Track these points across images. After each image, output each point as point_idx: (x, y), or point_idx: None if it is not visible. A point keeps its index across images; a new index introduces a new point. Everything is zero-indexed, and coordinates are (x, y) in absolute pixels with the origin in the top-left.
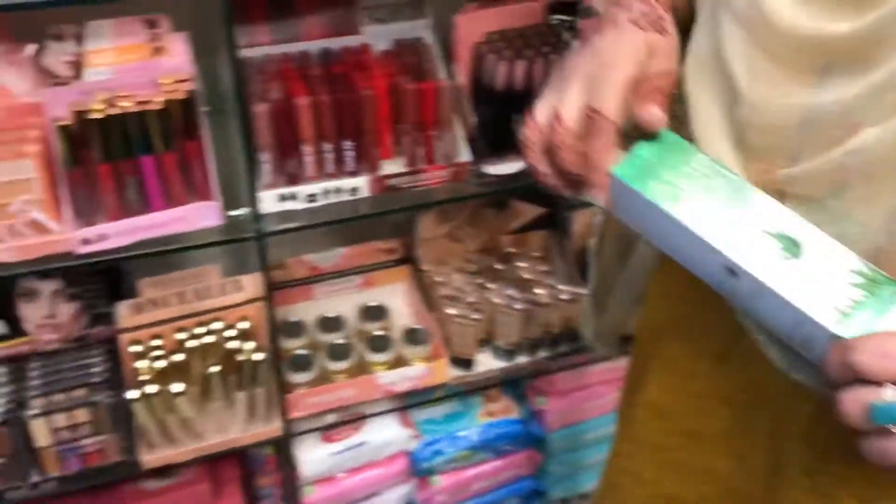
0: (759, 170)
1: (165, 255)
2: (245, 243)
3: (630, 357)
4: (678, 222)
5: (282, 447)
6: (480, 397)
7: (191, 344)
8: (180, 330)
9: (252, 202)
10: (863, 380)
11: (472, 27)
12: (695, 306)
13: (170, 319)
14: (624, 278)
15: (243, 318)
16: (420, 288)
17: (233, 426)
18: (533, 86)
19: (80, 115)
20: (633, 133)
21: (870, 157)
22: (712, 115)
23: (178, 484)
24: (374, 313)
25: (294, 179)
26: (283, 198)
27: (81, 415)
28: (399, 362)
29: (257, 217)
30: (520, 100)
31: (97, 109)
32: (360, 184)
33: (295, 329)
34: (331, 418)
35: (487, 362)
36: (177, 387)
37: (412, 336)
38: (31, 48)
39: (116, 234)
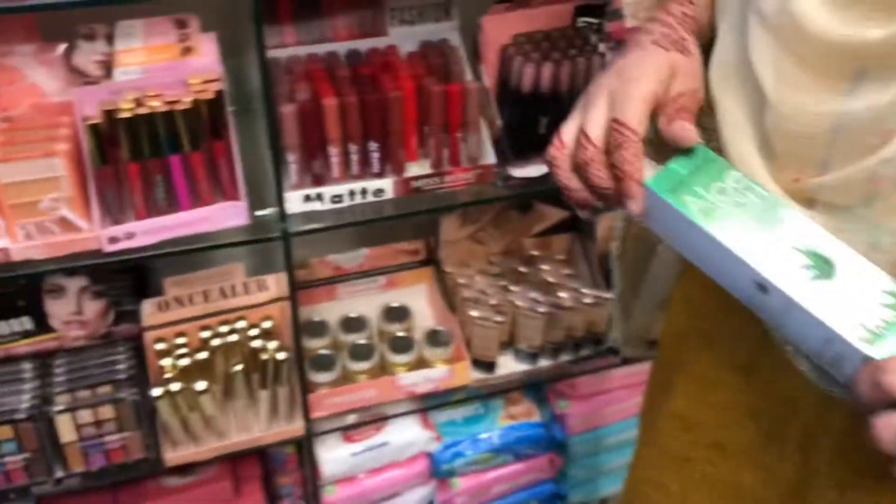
0: (788, 177)
1: (191, 254)
2: (269, 243)
3: (654, 363)
4: (710, 236)
5: (303, 446)
6: (501, 400)
7: (215, 342)
8: (204, 328)
9: (279, 202)
10: (895, 402)
11: (498, 29)
12: (719, 315)
13: (194, 318)
14: (647, 282)
15: (267, 318)
16: (443, 290)
17: (255, 425)
18: (559, 89)
19: (110, 114)
20: (667, 149)
21: None
22: (739, 121)
23: (199, 481)
24: (397, 314)
25: (320, 180)
26: (309, 198)
27: (106, 411)
28: (421, 364)
29: (283, 217)
30: (546, 103)
31: (126, 109)
32: (386, 185)
33: (318, 329)
34: (351, 418)
35: (509, 365)
36: (200, 385)
37: (434, 338)
38: (61, 47)
39: (143, 232)
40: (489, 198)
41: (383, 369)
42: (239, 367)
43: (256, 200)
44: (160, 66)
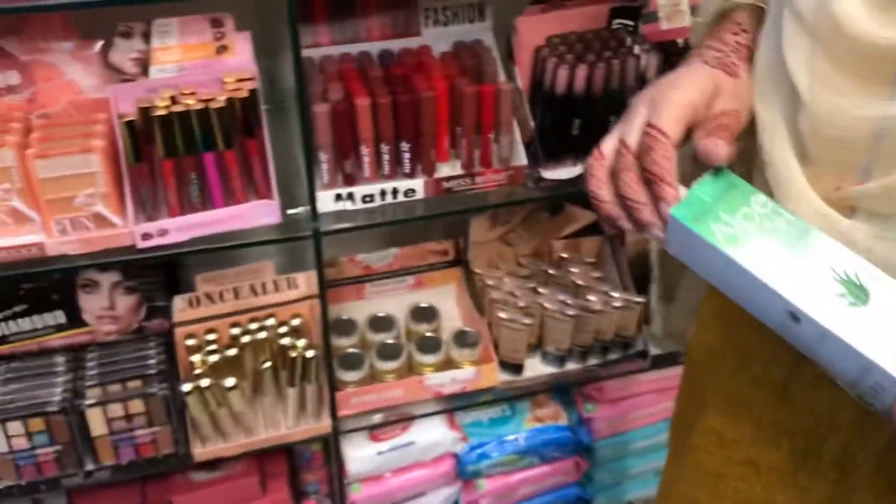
0: (829, 186)
1: (222, 251)
2: (300, 241)
3: (683, 374)
4: (738, 265)
5: (330, 444)
6: (528, 402)
7: (244, 339)
8: (234, 325)
9: (311, 201)
10: None
11: (533, 30)
12: (753, 330)
13: (225, 314)
14: (686, 278)
15: (296, 316)
16: (471, 290)
17: (283, 422)
18: (593, 91)
19: (145, 111)
20: (696, 171)
21: None
22: (777, 127)
23: (227, 476)
24: (425, 314)
25: (351, 180)
26: (340, 198)
27: (136, 406)
28: (448, 364)
29: (314, 216)
30: (580, 105)
31: (162, 106)
32: (417, 185)
33: (346, 328)
34: (378, 417)
35: (537, 367)
36: (229, 381)
37: (462, 338)
38: (98, 45)
39: (176, 229)
40: (520, 199)
41: (411, 369)
42: (268, 365)
43: (288, 199)
44: (195, 65)
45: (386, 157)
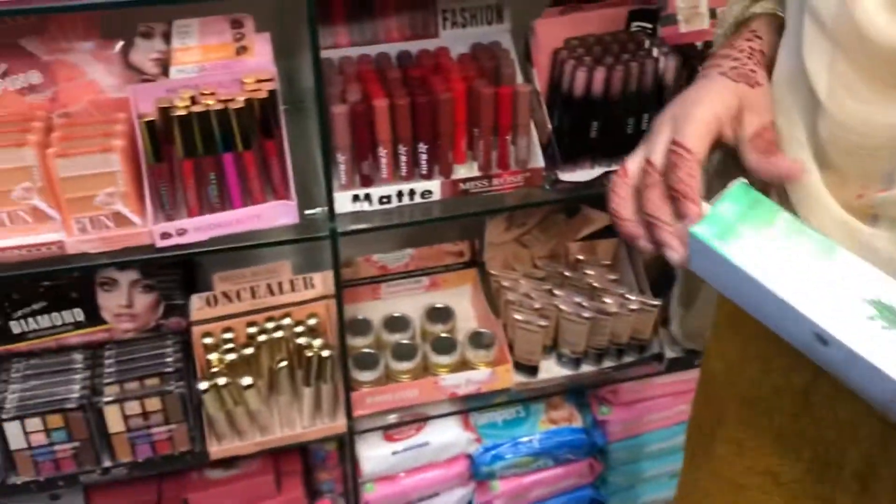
0: (851, 194)
1: (240, 251)
2: (316, 242)
3: (700, 379)
4: (762, 287)
5: (345, 444)
6: (542, 404)
7: (261, 338)
8: (251, 324)
9: (328, 202)
10: None
11: (551, 33)
12: (769, 340)
13: (241, 313)
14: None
15: (312, 315)
16: (486, 292)
17: (298, 421)
18: (612, 93)
19: (165, 111)
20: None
21: None
22: (796, 135)
23: (242, 474)
24: (440, 315)
25: (368, 181)
26: (357, 198)
27: (153, 403)
28: (463, 365)
29: (332, 217)
30: (598, 107)
31: (181, 106)
32: (434, 187)
33: (361, 327)
34: (393, 418)
35: (552, 369)
36: (246, 380)
37: (477, 339)
38: (119, 45)
39: (195, 229)
40: (537, 201)
41: (426, 370)
42: (284, 364)
43: (305, 199)
44: (215, 65)
45: (403, 158)
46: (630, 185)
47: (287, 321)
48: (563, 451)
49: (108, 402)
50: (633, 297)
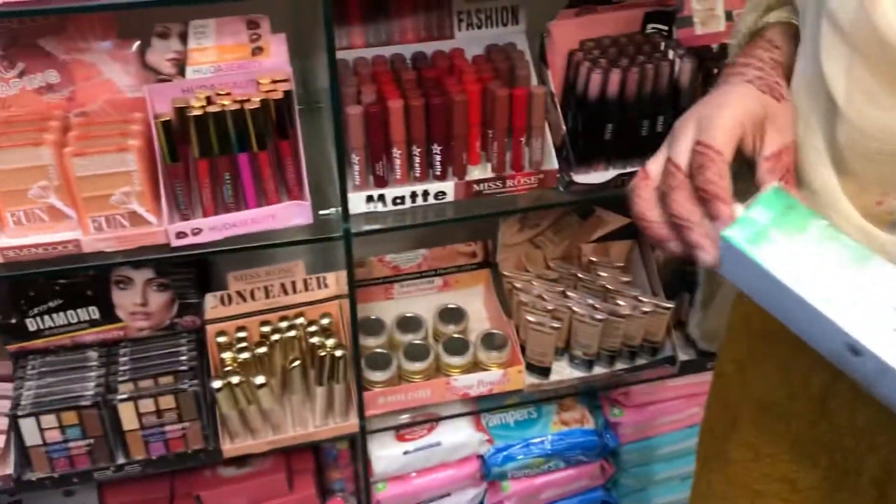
0: (871, 200)
1: (254, 250)
2: (330, 242)
3: (714, 382)
4: (794, 294)
5: (356, 443)
6: (554, 405)
7: (274, 337)
8: (265, 323)
9: (342, 203)
10: None
11: (566, 34)
12: (786, 344)
13: (255, 312)
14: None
15: (326, 315)
16: (499, 293)
17: (310, 420)
18: (627, 95)
19: (181, 111)
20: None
21: None
22: (813, 142)
23: (255, 472)
24: (453, 315)
25: (382, 181)
26: (371, 199)
27: (167, 401)
28: (475, 366)
29: (346, 217)
30: (613, 109)
31: (197, 106)
32: (447, 188)
33: (374, 327)
34: (405, 417)
35: (564, 371)
36: (259, 379)
37: (489, 340)
38: (136, 45)
39: (210, 228)
40: (551, 203)
41: (438, 370)
42: (297, 363)
43: (319, 199)
44: (231, 66)
45: (417, 159)
46: (653, 186)
47: (300, 321)
48: (575, 452)
49: (122, 400)
50: (646, 300)
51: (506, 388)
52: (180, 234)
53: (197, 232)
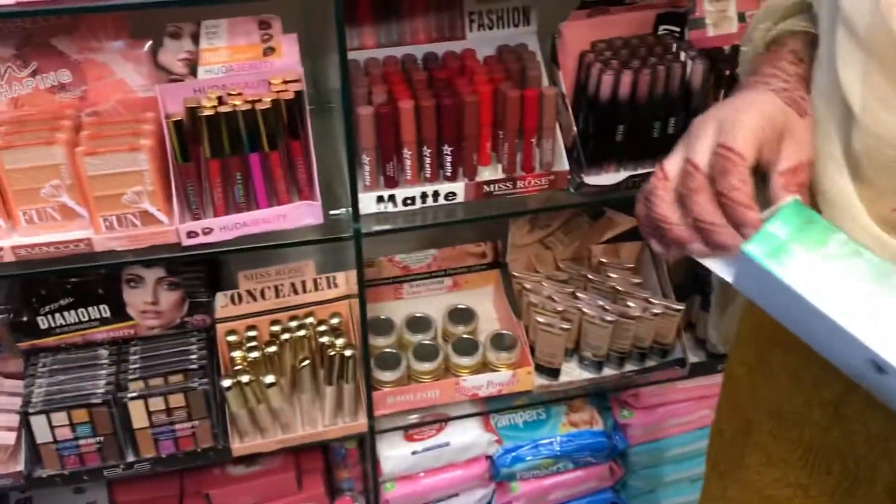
0: (887, 207)
1: (265, 250)
2: (339, 242)
3: (724, 386)
4: (816, 309)
5: (365, 442)
6: (563, 406)
7: (284, 337)
8: (275, 322)
9: (353, 203)
10: None
11: (578, 35)
12: (798, 351)
13: (265, 312)
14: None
15: (335, 314)
16: (509, 293)
17: (320, 419)
18: (638, 97)
19: (193, 111)
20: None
21: None
22: (829, 149)
23: (264, 471)
24: (462, 316)
25: (392, 182)
26: (381, 200)
27: (177, 400)
28: (484, 367)
29: (356, 217)
30: (624, 111)
31: (209, 106)
32: (458, 189)
33: (383, 327)
34: (413, 418)
35: (573, 372)
36: (269, 378)
37: (499, 341)
38: (147, 45)
39: (221, 228)
40: (561, 204)
41: (447, 370)
42: (306, 362)
43: (329, 199)
44: (243, 66)
45: (428, 159)
46: (671, 187)
47: (310, 320)
48: (584, 453)
49: (132, 398)
50: (656, 301)
51: (515, 389)
52: (191, 234)
53: (208, 231)
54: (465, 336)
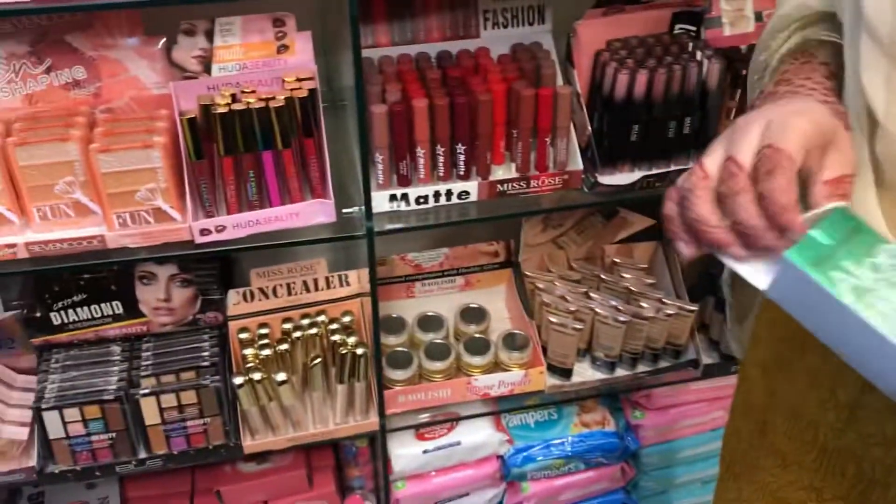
0: None
1: (277, 248)
2: (352, 240)
3: (738, 387)
4: (863, 322)
5: (376, 441)
6: (575, 406)
7: (296, 335)
8: (287, 320)
9: (366, 202)
10: None
11: (593, 34)
12: (814, 353)
13: (277, 309)
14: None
15: (347, 313)
16: (521, 293)
17: (331, 417)
18: (654, 96)
19: (206, 108)
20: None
21: None
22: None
23: (275, 468)
24: (474, 315)
25: (405, 180)
26: (394, 198)
27: (189, 396)
28: (496, 366)
29: (369, 216)
30: (639, 110)
31: (222, 104)
32: (471, 188)
33: (395, 326)
34: (425, 416)
35: (585, 372)
36: (280, 376)
37: (510, 341)
38: (161, 42)
39: (234, 226)
40: (575, 204)
41: (459, 370)
42: (318, 360)
43: (342, 198)
44: (257, 63)
45: (441, 158)
46: (711, 186)
47: (322, 318)
48: (595, 454)
49: (144, 395)
50: (670, 302)
51: (527, 389)
52: (204, 231)
53: (221, 229)
54: (477, 335)
